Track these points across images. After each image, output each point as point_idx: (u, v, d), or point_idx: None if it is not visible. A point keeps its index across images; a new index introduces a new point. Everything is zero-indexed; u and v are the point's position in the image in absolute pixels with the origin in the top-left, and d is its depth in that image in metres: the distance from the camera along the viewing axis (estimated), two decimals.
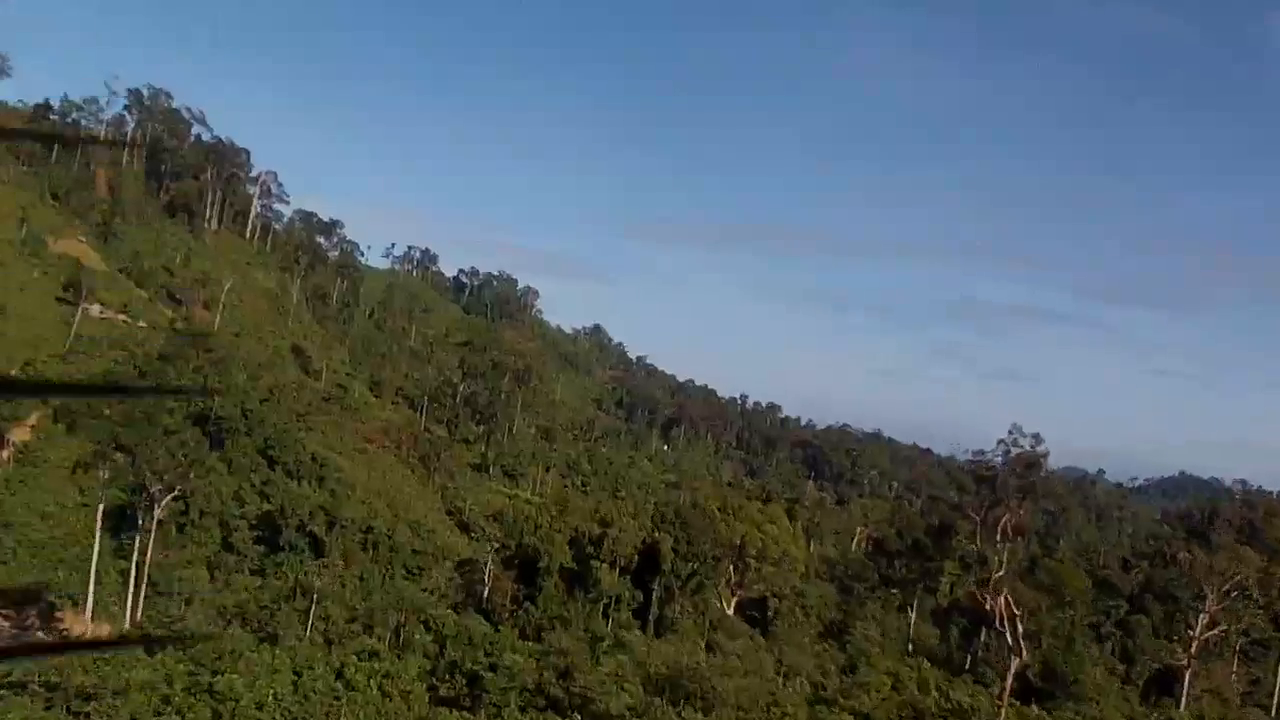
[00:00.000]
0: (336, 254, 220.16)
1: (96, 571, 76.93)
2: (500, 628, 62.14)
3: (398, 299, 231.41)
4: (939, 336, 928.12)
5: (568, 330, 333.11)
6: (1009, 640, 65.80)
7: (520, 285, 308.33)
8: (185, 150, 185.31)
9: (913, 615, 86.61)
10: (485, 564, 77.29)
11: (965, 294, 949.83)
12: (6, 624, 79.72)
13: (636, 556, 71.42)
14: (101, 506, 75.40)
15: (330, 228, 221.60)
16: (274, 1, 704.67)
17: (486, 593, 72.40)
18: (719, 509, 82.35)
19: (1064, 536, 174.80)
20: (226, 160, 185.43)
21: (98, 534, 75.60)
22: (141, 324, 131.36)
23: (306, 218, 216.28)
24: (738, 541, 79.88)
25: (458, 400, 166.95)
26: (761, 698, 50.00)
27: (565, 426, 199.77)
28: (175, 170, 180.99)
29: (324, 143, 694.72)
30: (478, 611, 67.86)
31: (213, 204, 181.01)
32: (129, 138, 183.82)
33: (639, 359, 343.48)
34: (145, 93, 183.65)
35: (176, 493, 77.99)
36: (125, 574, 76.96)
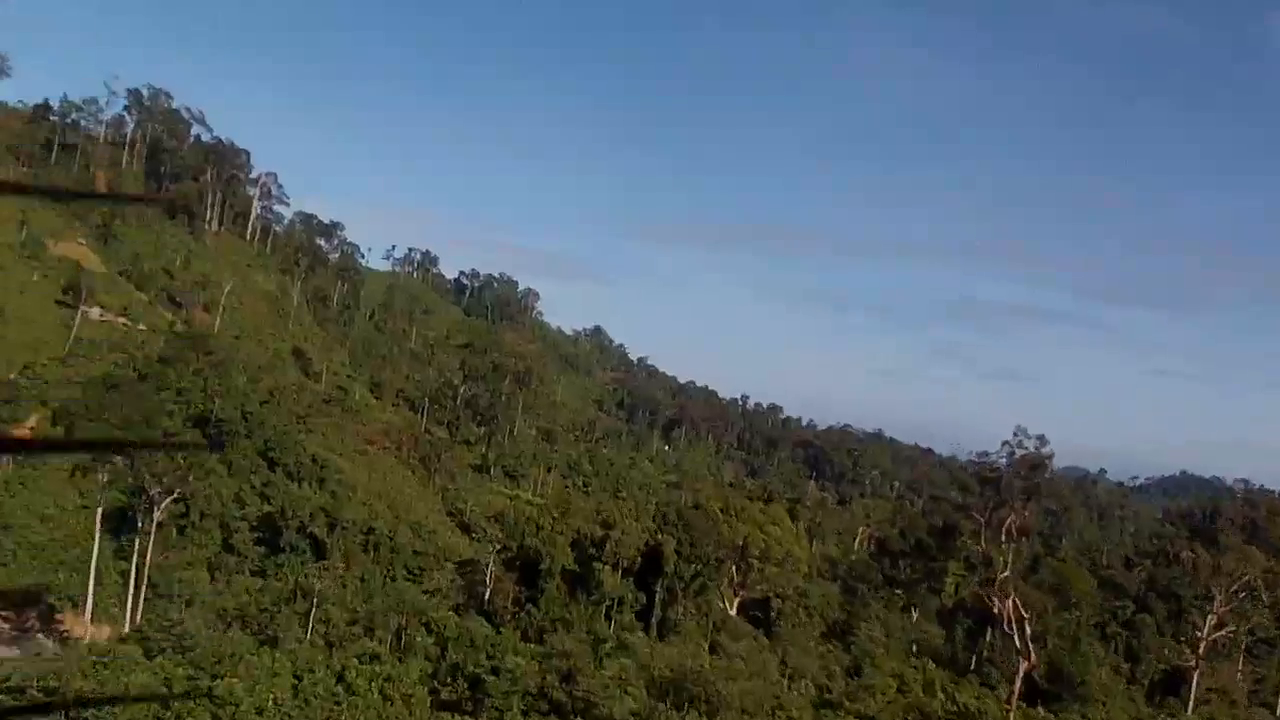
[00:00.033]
0: (337, 256, 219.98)
1: (97, 573, 76.72)
2: (502, 630, 61.74)
3: (398, 301, 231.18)
4: (939, 336, 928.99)
5: (568, 332, 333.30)
6: (1017, 643, 65.35)
7: (521, 287, 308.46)
8: (185, 151, 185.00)
9: (915, 614, 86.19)
10: (487, 565, 76.95)
11: (966, 294, 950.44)
12: (7, 625, 79.46)
13: (639, 558, 71.02)
14: (100, 509, 75.08)
15: (331, 229, 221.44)
16: (274, 1, 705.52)
17: (488, 594, 72.04)
18: (721, 510, 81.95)
19: (1066, 536, 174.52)
20: (226, 161, 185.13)
21: (97, 536, 75.32)
22: (141, 326, 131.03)
23: (307, 219, 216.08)
24: (740, 542, 79.51)
25: (458, 402, 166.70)
26: (766, 701, 49.58)
27: (566, 428, 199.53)
28: (175, 171, 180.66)
29: (324, 143, 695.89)
30: (479, 613, 67.47)
31: (213, 205, 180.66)
32: (128, 138, 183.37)
33: (640, 360, 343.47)
34: (145, 93, 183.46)
35: (176, 495, 77.67)
36: (126, 575, 76.73)
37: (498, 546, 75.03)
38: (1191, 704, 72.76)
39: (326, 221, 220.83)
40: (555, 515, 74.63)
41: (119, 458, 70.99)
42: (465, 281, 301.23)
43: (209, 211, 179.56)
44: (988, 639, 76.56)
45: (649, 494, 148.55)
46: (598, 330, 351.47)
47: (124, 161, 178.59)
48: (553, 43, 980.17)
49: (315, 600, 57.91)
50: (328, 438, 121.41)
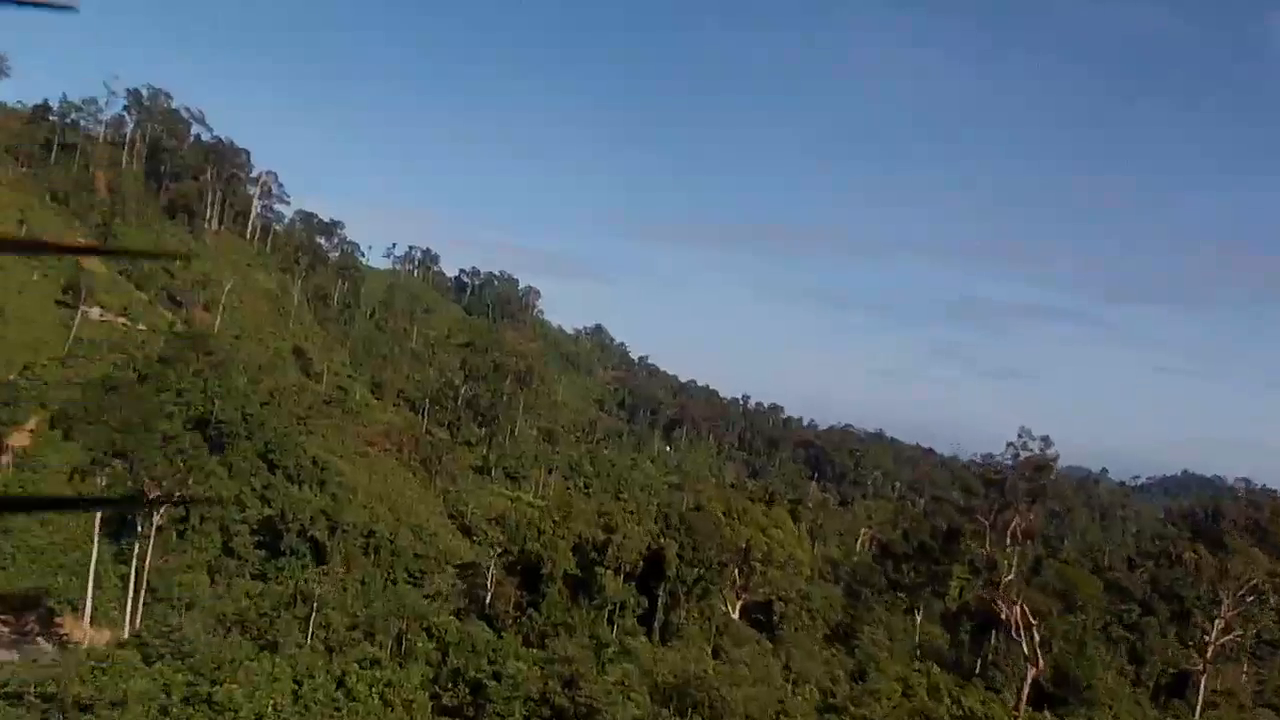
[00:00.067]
0: (337, 254, 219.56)
1: (96, 577, 76.31)
2: (504, 634, 61.31)
3: (399, 300, 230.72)
4: (940, 336, 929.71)
5: (569, 330, 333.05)
6: (1025, 650, 64.86)
7: (521, 285, 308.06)
8: (185, 151, 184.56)
9: (919, 617, 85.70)
10: (488, 568, 76.56)
11: (967, 293, 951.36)
12: (6, 629, 79.03)
13: (641, 562, 70.54)
14: (99, 515, 74.60)
15: (331, 228, 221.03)
16: (274, 1, 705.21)
17: (489, 598, 71.61)
18: (723, 513, 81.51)
19: (1068, 537, 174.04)
20: (226, 161, 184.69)
21: (95, 540, 74.92)
22: (141, 326, 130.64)
23: (307, 218, 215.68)
24: (743, 545, 79.06)
25: (459, 402, 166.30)
26: (770, 706, 49.14)
27: (567, 428, 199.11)
28: (175, 171, 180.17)
29: (324, 142, 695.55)
30: (481, 618, 67.04)
31: (213, 205, 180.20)
32: (128, 138, 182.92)
33: (641, 359, 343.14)
34: (145, 93, 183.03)
35: (176, 498, 77.20)
36: (125, 579, 76.30)
37: (499, 550, 74.58)
38: (1199, 708, 72.27)
39: (327, 220, 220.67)
40: (557, 519, 74.16)
41: (119, 462, 70.48)
42: (466, 280, 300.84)
43: (209, 211, 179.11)
44: (993, 642, 76.10)
45: (650, 495, 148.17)
46: (599, 329, 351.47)
47: (123, 161, 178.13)
48: (553, 43, 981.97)
49: (315, 605, 57.48)
50: (328, 439, 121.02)
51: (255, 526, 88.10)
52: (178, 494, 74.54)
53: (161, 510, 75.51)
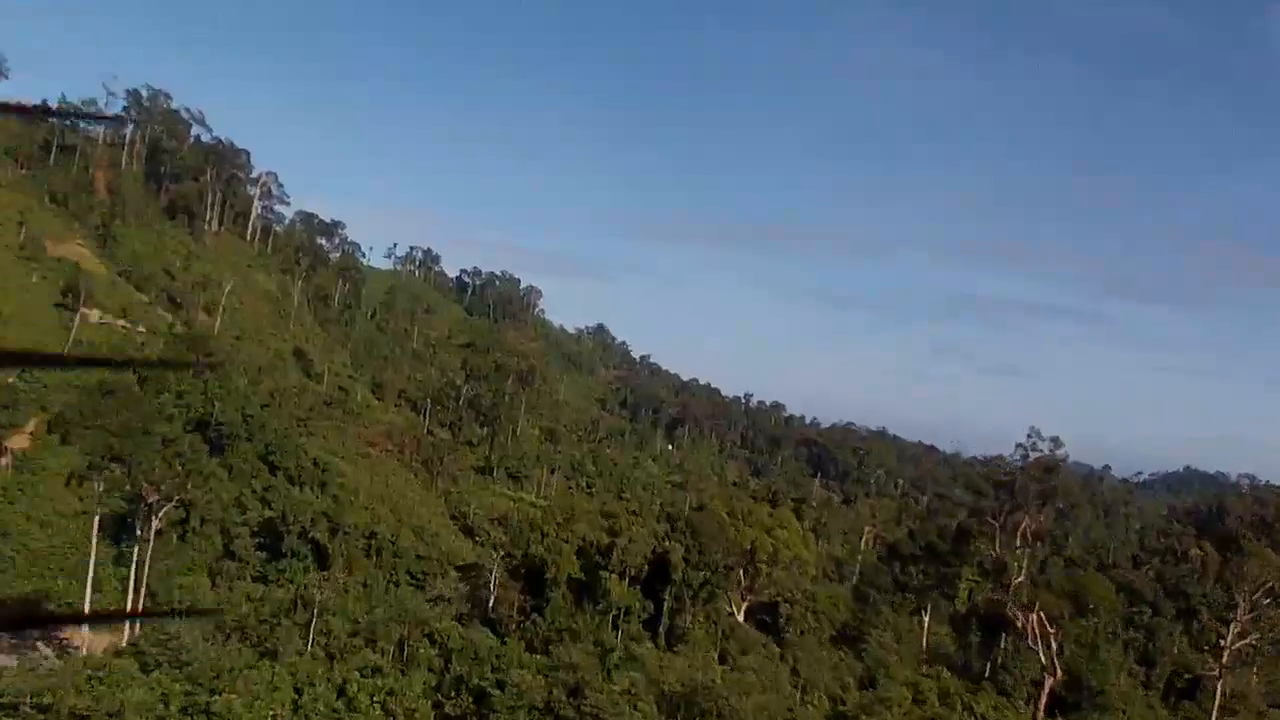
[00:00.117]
0: (338, 255, 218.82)
1: (95, 581, 75.61)
2: (507, 640, 60.47)
3: (400, 300, 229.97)
4: (941, 334, 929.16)
5: (571, 330, 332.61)
6: (1042, 659, 63.95)
7: (523, 285, 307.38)
8: (185, 151, 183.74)
9: (926, 618, 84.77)
10: (490, 571, 75.78)
11: (968, 291, 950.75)
12: (5, 634, 78.37)
13: (646, 566, 69.67)
14: (97, 519, 73.91)
15: (331, 229, 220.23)
16: (274, 1, 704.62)
17: (492, 602, 70.80)
18: (728, 514, 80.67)
19: (1073, 534, 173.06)
20: (226, 161, 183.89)
21: (94, 544, 74.17)
22: (141, 328, 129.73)
23: (308, 219, 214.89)
24: (748, 547, 78.24)
25: (461, 402, 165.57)
26: (780, 715, 48.25)
27: (569, 427, 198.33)
28: (175, 172, 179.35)
29: (324, 143, 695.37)
30: (484, 622, 66.22)
31: (213, 205, 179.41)
32: (128, 139, 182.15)
33: (642, 358, 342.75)
34: (144, 94, 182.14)
35: (175, 501, 76.51)
36: (126, 583, 75.61)
37: (502, 553, 73.75)
38: (1215, 713, 71.29)
39: (327, 221, 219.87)
40: (560, 521, 73.30)
41: (117, 466, 69.71)
42: (467, 280, 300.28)
43: (209, 212, 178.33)
44: (1003, 645, 75.21)
45: (653, 494, 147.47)
46: (600, 328, 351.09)
47: (123, 162, 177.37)
48: (553, 43, 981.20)
49: (316, 610, 56.66)
50: (329, 440, 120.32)
51: (256, 529, 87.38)
52: (176, 497, 73.79)
53: (161, 513, 74.77)
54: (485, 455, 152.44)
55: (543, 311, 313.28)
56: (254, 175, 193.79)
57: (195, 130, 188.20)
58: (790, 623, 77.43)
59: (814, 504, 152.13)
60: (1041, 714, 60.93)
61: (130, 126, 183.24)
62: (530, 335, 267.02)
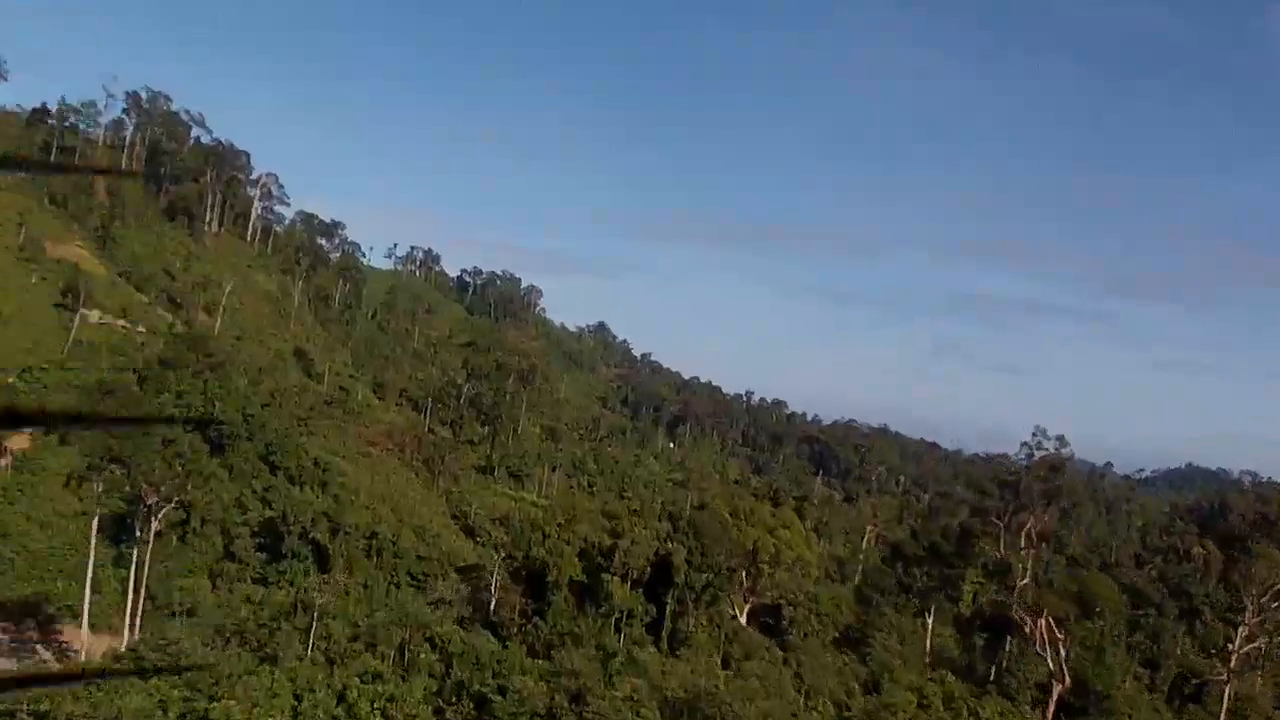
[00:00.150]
0: (338, 255, 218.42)
1: (95, 583, 75.21)
2: (508, 644, 60.02)
3: (401, 300, 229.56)
4: (942, 331, 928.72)
5: (571, 329, 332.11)
6: (1050, 665, 63.39)
7: (524, 284, 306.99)
8: (185, 153, 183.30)
9: (930, 619, 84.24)
10: (492, 572, 75.34)
11: (969, 289, 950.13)
12: (5, 636, 77.99)
13: (648, 568, 69.18)
14: (96, 521, 73.49)
15: (332, 229, 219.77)
16: (274, 1, 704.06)
17: (493, 604, 70.35)
18: (730, 514, 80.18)
19: (1075, 532, 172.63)
20: (226, 162, 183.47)
21: (92, 545, 73.75)
22: (141, 329, 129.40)
23: (308, 219, 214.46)
24: (751, 547, 77.78)
25: (462, 401, 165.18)
26: None
27: (570, 426, 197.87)
28: (175, 173, 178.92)
29: (324, 143, 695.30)
30: (485, 625, 65.77)
31: (213, 206, 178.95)
32: (127, 141, 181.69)
33: (643, 356, 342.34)
34: (144, 95, 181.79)
35: (175, 503, 76.10)
36: (126, 584, 75.23)
37: (503, 555, 73.28)
38: (1223, 716, 70.70)
39: (328, 221, 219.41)
40: (562, 522, 72.82)
41: (116, 467, 69.29)
42: (468, 279, 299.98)
43: (209, 213, 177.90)
44: (1007, 648, 74.67)
45: (655, 493, 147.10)
46: (601, 326, 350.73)
47: (123, 164, 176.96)
48: (552, 43, 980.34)
49: (316, 614, 56.23)
50: (330, 440, 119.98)
51: (256, 529, 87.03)
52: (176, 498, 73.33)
53: (161, 514, 74.38)
54: (486, 454, 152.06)
55: (543, 310, 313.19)
56: (254, 176, 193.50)
57: (195, 132, 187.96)
58: (793, 625, 76.94)
59: (815, 502, 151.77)
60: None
61: (130, 128, 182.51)
62: (531, 334, 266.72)
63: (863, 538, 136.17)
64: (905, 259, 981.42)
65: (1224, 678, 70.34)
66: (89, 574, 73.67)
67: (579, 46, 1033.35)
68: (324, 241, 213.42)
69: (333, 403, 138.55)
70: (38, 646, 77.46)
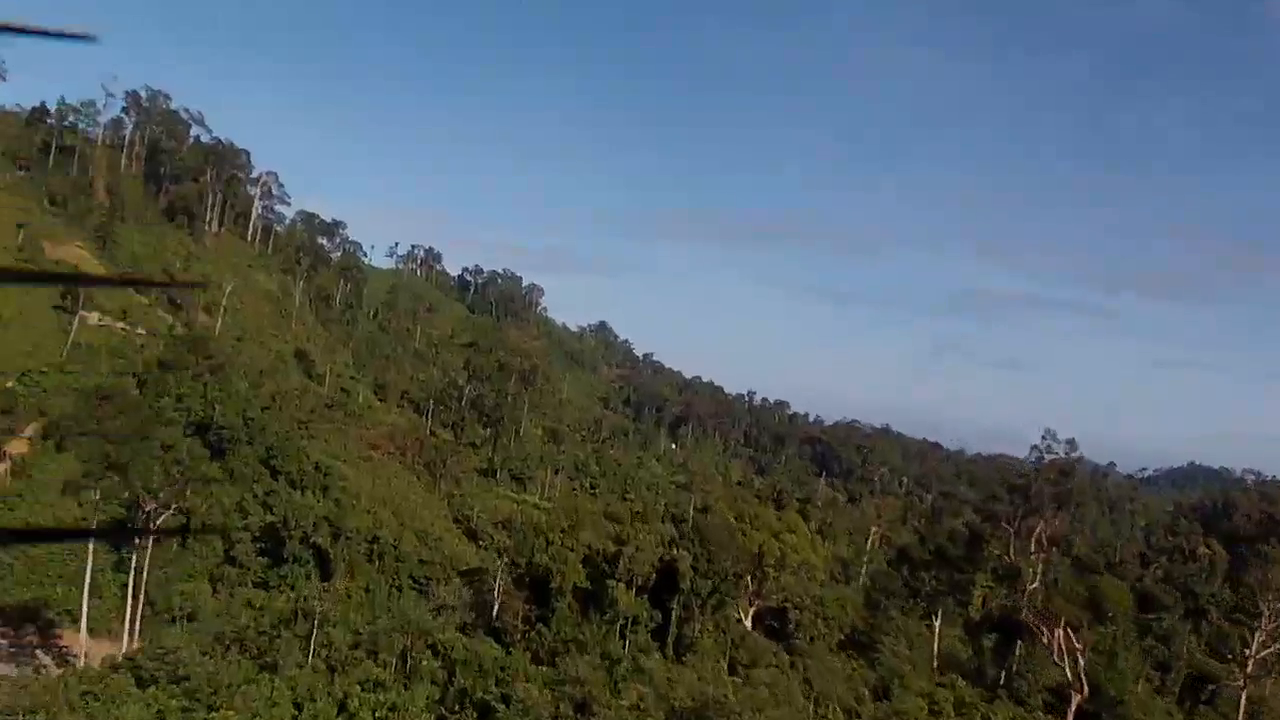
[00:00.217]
0: (339, 254, 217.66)
1: (94, 588, 74.62)
2: (512, 650, 59.29)
3: (402, 299, 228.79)
4: (944, 329, 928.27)
5: (573, 328, 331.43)
6: (1068, 675, 62.57)
7: (525, 283, 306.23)
8: (184, 152, 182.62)
9: (938, 623, 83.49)
10: (495, 576, 74.63)
11: (971, 287, 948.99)
12: (4, 642, 77.40)
13: (654, 574, 68.48)
14: (95, 524, 72.76)
15: (332, 228, 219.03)
16: (274, 1, 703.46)
17: (496, 609, 69.62)
18: (735, 517, 79.44)
19: (1080, 532, 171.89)
20: (226, 162, 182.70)
21: (90, 553, 73.11)
22: (141, 330, 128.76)
23: (308, 219, 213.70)
24: (756, 550, 77.09)
25: (463, 403, 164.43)
26: None
27: (572, 427, 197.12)
28: (175, 173, 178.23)
29: (324, 143, 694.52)
30: (488, 631, 64.99)
31: (213, 206, 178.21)
32: (127, 140, 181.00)
33: (645, 356, 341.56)
34: (143, 95, 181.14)
35: (174, 509, 75.42)
36: (126, 589, 74.61)
37: (506, 561, 72.52)
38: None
39: (328, 220, 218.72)
40: (565, 527, 72.08)
41: (114, 475, 68.58)
42: (469, 278, 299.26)
43: (209, 212, 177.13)
44: (1017, 653, 73.91)
45: (658, 495, 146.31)
46: (602, 326, 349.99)
47: (122, 164, 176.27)
48: (552, 42, 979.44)
49: (317, 621, 55.48)
50: (331, 443, 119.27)
51: (257, 534, 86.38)
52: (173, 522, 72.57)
53: (160, 520, 73.67)
54: (488, 456, 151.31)
55: (545, 310, 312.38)
56: (254, 175, 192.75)
57: (195, 131, 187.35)
58: (799, 629, 76.23)
59: (819, 504, 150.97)
60: None
61: (129, 127, 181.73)
62: (533, 334, 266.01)
63: (867, 539, 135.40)
64: (906, 257, 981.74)
65: (1240, 683, 69.63)
66: (88, 576, 73.08)
67: (579, 46, 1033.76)
68: (325, 241, 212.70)
69: (334, 405, 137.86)
70: (37, 651, 76.89)
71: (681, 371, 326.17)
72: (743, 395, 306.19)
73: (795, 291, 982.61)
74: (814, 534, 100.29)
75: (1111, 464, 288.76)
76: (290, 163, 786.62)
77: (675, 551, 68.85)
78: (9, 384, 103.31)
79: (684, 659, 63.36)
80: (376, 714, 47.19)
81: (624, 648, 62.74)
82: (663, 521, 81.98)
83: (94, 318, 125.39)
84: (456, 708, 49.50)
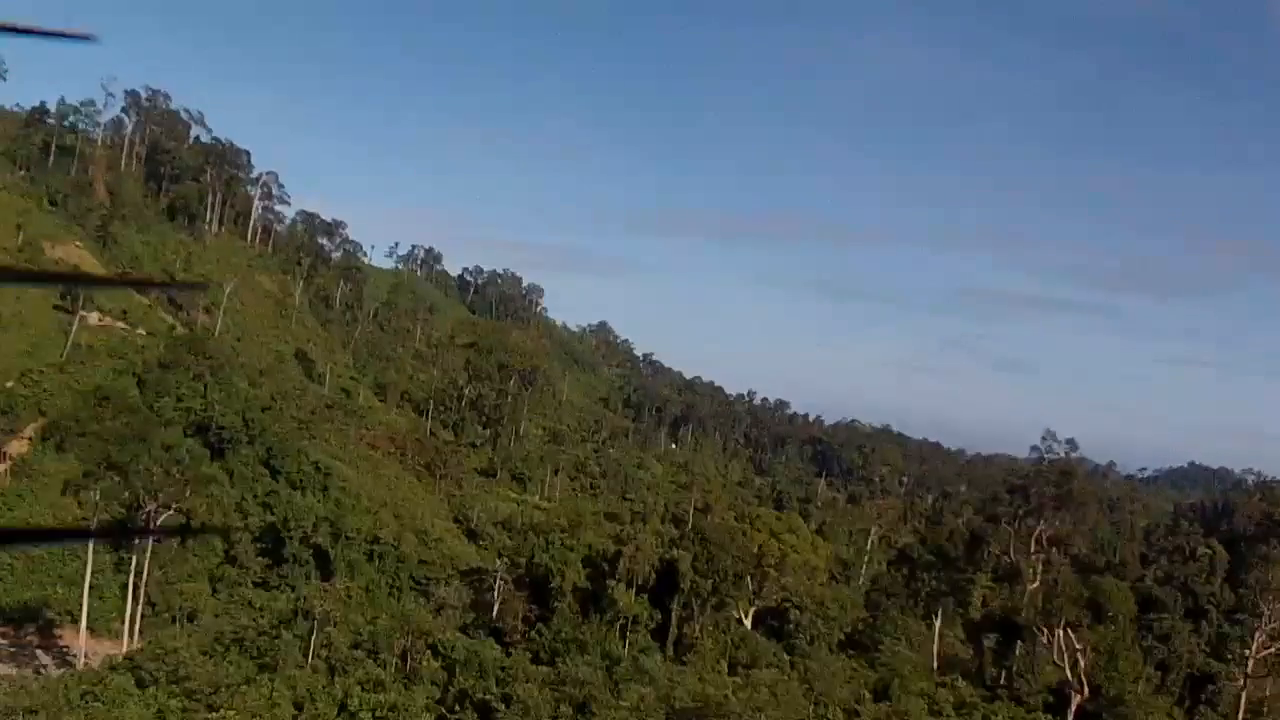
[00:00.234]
0: (339, 254, 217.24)
1: (95, 588, 74.70)
2: (512, 651, 59.30)
3: (402, 300, 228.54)
4: (945, 329, 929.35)
5: (573, 328, 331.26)
6: (1069, 676, 62.58)
7: (525, 283, 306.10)
8: (184, 152, 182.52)
9: (938, 623, 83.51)
10: (495, 576, 74.65)
11: (972, 285, 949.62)
12: (5, 642, 77.46)
13: (654, 575, 68.47)
14: (94, 525, 72.74)
15: (333, 228, 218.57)
16: (274, 1, 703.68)
17: (496, 609, 69.63)
18: (735, 518, 79.50)
19: (1080, 533, 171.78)
20: (226, 161, 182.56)
21: (90, 553, 73.12)
22: (141, 331, 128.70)
23: (309, 219, 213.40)
24: (756, 550, 77.10)
25: (463, 403, 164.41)
26: None
27: (572, 427, 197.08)
28: (175, 173, 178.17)
29: (324, 142, 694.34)
30: (488, 632, 64.98)
31: (213, 206, 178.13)
32: (127, 140, 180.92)
33: (645, 356, 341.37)
34: (143, 95, 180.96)
35: (174, 509, 75.43)
36: (126, 589, 74.67)
37: (507, 561, 72.55)
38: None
39: (328, 220, 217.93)
40: (565, 527, 72.10)
41: (114, 476, 68.59)
42: (469, 279, 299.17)
43: (209, 212, 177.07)
44: (1017, 653, 73.95)
45: (658, 495, 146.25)
46: (602, 325, 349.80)
47: (122, 164, 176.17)
48: (552, 41, 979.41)
49: (317, 621, 55.46)
50: (331, 443, 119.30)
51: (257, 534, 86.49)
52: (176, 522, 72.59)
53: (159, 520, 73.68)
54: (489, 456, 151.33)
55: (545, 310, 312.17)
56: (254, 175, 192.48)
57: (195, 130, 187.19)
58: (799, 629, 76.26)
59: (820, 504, 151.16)
60: None
61: (129, 127, 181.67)
62: (533, 334, 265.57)
63: (867, 539, 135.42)
64: (906, 256, 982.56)
65: (1240, 683, 69.66)
66: (88, 577, 73.17)
67: (579, 45, 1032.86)
68: (325, 241, 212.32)
69: (334, 405, 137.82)
70: (37, 651, 76.98)
71: (681, 371, 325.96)
72: (743, 395, 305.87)
73: (796, 290, 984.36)
74: (814, 534, 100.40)
75: (1111, 464, 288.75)
76: (290, 163, 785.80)
77: (675, 552, 68.89)
78: (9, 384, 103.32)
79: (684, 659, 63.37)
80: (376, 714, 47.19)
81: (624, 648, 62.79)
82: (663, 521, 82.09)
83: (94, 318, 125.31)
84: (456, 708, 49.53)
